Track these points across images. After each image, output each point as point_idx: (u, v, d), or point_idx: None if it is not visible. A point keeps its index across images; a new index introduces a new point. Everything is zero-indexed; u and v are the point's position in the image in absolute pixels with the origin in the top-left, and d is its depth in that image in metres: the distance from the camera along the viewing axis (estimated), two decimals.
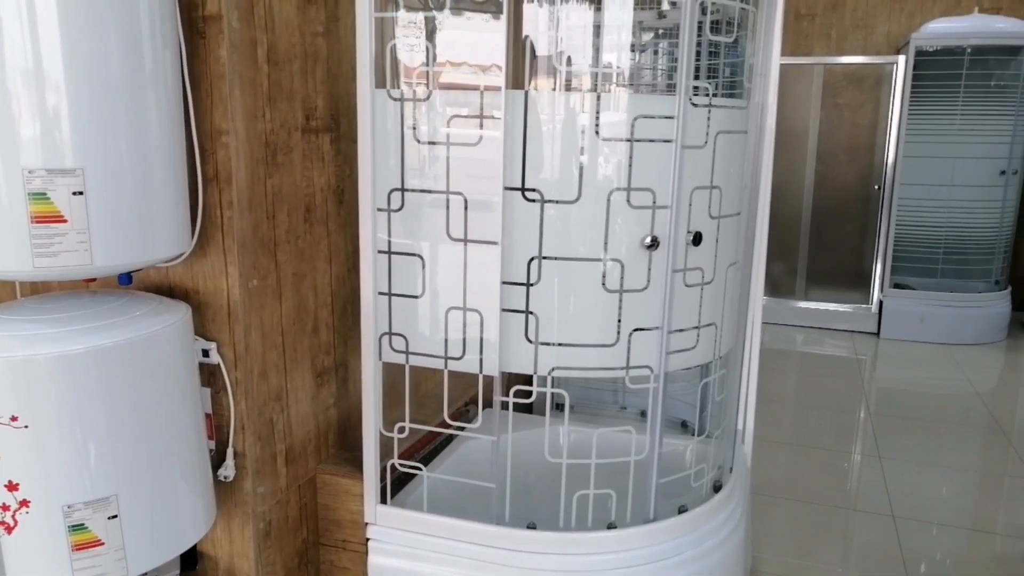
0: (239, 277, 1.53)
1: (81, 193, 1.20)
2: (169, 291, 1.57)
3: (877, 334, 4.90)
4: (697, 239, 1.60)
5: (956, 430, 3.41)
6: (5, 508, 1.24)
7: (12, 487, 1.23)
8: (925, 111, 4.67)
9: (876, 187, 4.93)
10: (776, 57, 1.93)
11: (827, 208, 5.10)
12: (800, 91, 5.03)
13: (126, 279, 1.49)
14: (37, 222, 1.18)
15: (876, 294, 4.94)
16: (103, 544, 1.28)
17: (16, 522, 1.25)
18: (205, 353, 1.56)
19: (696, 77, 2.12)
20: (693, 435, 2.21)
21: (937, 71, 4.60)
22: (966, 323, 4.74)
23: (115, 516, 1.29)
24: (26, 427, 1.22)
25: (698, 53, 2.07)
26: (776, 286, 5.20)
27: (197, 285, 1.55)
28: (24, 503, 1.24)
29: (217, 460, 1.60)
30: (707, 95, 1.57)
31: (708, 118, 1.58)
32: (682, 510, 1.74)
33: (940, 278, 4.82)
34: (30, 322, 1.28)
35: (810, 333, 4.98)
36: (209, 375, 1.58)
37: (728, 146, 1.64)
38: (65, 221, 1.20)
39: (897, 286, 4.88)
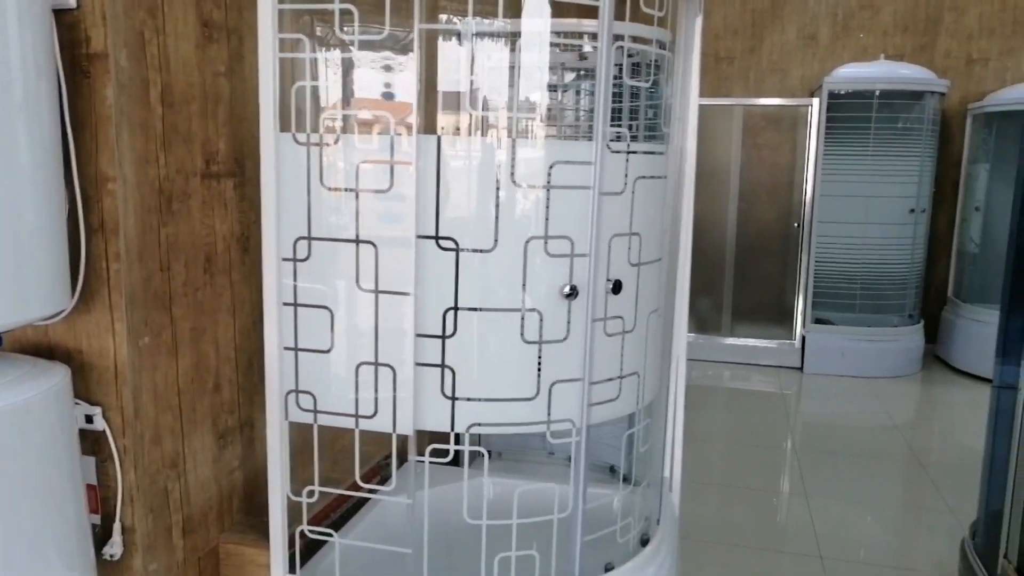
0: (127, 335, 1.40)
1: None
2: (49, 352, 1.44)
3: (801, 368, 4.99)
4: (617, 287, 1.55)
5: (877, 464, 3.46)
6: None
7: None
8: (839, 152, 4.83)
9: (796, 225, 5.06)
10: (694, 102, 1.93)
11: (750, 246, 5.19)
12: (721, 131, 5.15)
13: None
14: None
15: (799, 329, 5.04)
16: None
17: None
18: (89, 419, 1.42)
19: (616, 120, 2.11)
20: (621, 482, 2.15)
21: (849, 113, 4.77)
22: (884, 357, 4.86)
23: None
24: None
25: (618, 95, 2.05)
26: (702, 323, 5.25)
27: (80, 345, 1.42)
28: None
29: (103, 536, 1.46)
30: (625, 141, 1.54)
31: (627, 164, 1.55)
32: (608, 568, 1.67)
33: (859, 313, 4.95)
34: None
35: (737, 369, 5.03)
36: (93, 443, 1.44)
37: (647, 192, 1.61)
38: None
39: (819, 321, 4.98)
